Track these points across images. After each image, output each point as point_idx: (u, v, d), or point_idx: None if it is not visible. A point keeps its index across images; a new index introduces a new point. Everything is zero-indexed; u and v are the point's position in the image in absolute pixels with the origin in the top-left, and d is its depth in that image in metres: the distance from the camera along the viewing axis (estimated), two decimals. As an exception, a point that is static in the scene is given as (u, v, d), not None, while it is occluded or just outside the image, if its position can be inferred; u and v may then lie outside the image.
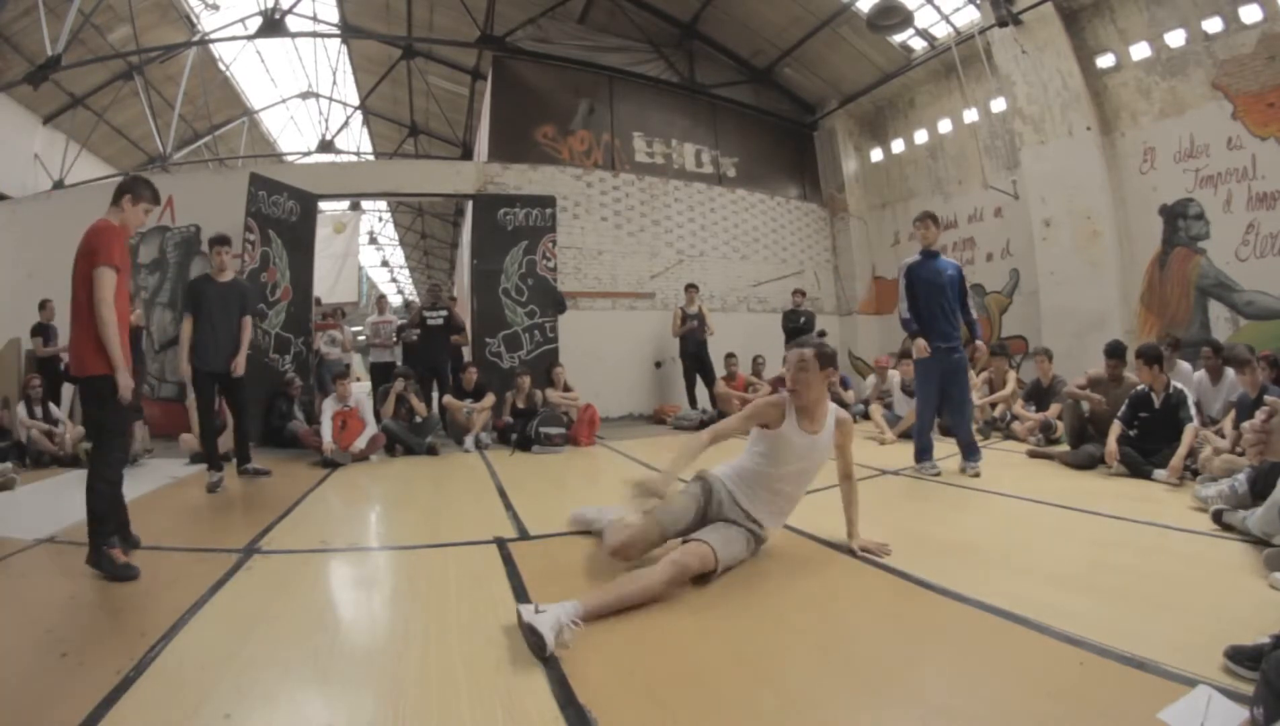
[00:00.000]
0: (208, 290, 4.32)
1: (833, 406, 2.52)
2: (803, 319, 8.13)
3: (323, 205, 8.33)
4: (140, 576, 2.27)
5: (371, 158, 15.97)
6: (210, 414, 4.36)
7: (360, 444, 5.29)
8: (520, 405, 6.39)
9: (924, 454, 4.24)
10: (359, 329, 10.75)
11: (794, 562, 2.47)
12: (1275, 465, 2.37)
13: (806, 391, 2.38)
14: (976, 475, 3.98)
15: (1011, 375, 6.28)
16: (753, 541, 2.40)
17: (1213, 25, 6.36)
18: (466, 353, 7.48)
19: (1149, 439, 3.83)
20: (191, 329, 4.23)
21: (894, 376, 6.33)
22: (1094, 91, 7.20)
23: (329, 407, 5.37)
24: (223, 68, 12.43)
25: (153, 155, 11.99)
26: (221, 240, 4.42)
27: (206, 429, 4.35)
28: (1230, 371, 4.50)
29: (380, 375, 7.88)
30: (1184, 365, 5.19)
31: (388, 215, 20.03)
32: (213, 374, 4.27)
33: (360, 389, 7.18)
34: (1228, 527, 2.58)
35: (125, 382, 2.51)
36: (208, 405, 4.34)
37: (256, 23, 9.14)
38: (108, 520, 2.43)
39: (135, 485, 4.21)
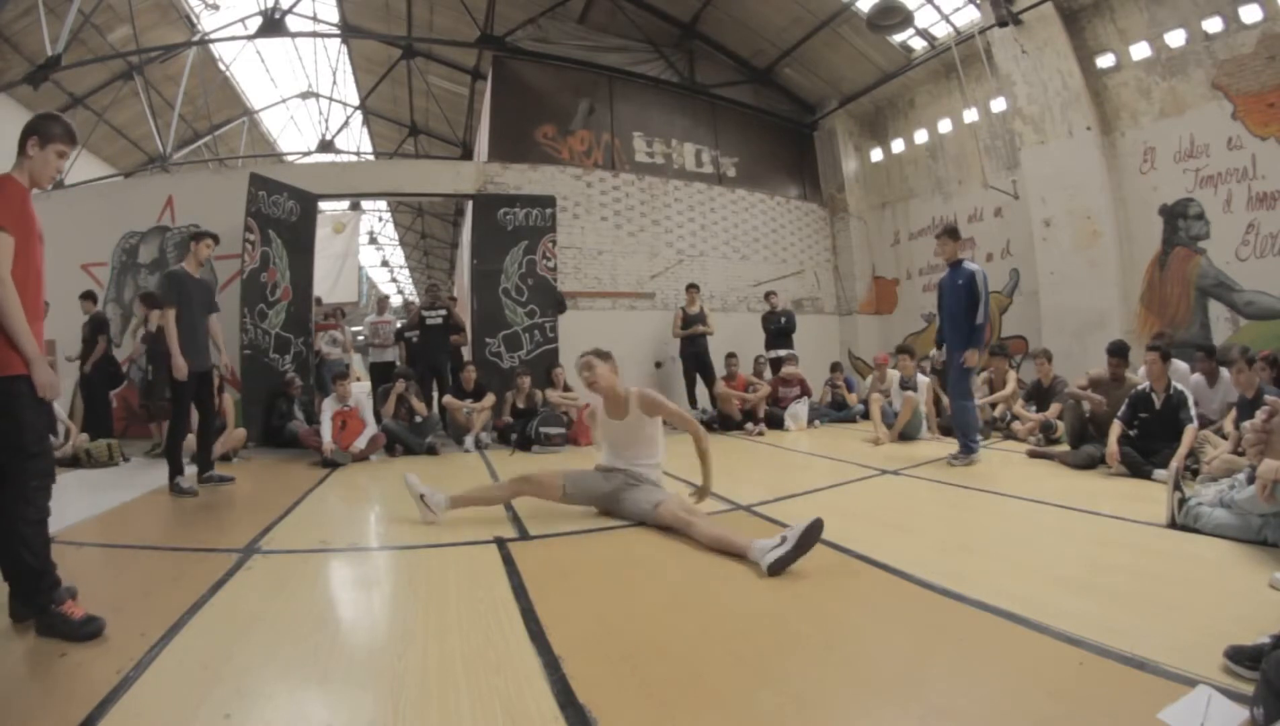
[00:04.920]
0: (188, 284, 4.19)
1: (633, 388, 3.12)
2: (783, 319, 8.11)
3: (323, 205, 8.33)
4: (105, 630, 1.76)
5: (371, 158, 15.97)
6: (187, 416, 4.17)
7: (360, 444, 5.30)
8: (520, 405, 6.40)
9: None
10: (359, 329, 10.76)
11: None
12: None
13: (597, 384, 3.05)
14: (950, 465, 4.34)
15: (1012, 375, 6.29)
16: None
17: (1213, 25, 6.35)
18: (466, 352, 7.48)
19: (1149, 439, 3.83)
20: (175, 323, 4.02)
21: (893, 375, 6.33)
22: (1094, 91, 7.20)
23: (329, 408, 5.38)
24: (223, 68, 12.43)
25: (153, 155, 11.99)
26: (207, 235, 4.32)
27: (181, 430, 4.11)
28: (1226, 373, 4.51)
29: (380, 375, 7.88)
30: (1181, 364, 5.19)
31: (388, 215, 20.04)
32: (199, 373, 4.16)
33: (360, 389, 7.19)
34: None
35: (45, 378, 1.92)
36: (187, 408, 4.17)
37: (256, 23, 9.14)
38: (48, 570, 1.84)
39: (135, 485, 4.22)
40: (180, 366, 3.98)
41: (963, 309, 4.44)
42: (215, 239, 4.39)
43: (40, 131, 2.04)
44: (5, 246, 1.89)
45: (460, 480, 4.56)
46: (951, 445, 5.34)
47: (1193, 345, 6.04)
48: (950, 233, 4.66)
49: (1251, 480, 2.61)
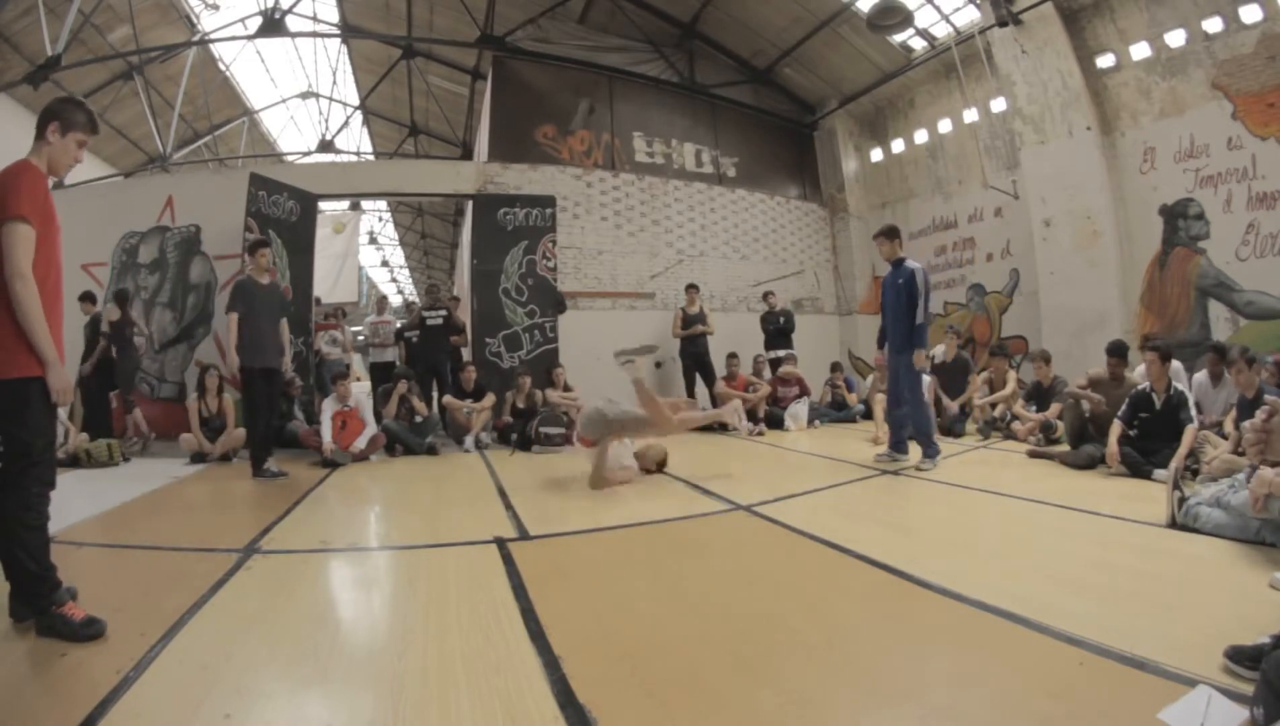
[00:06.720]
0: (257, 292, 4.54)
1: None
2: (782, 319, 8.10)
3: (323, 205, 8.33)
4: (106, 632, 1.75)
5: (371, 158, 15.96)
6: (259, 412, 4.55)
7: (360, 444, 5.30)
8: (520, 405, 6.40)
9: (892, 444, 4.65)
10: (359, 329, 10.76)
11: (793, 562, 2.47)
12: (1276, 464, 2.37)
13: None
14: (919, 468, 4.26)
15: (1011, 375, 6.28)
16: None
17: (1213, 25, 6.35)
18: (466, 352, 7.48)
19: (1149, 439, 3.84)
20: (238, 328, 4.43)
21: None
22: (1094, 91, 7.20)
23: (329, 408, 5.38)
24: (223, 68, 12.43)
25: (153, 155, 11.99)
26: (264, 242, 4.69)
27: (256, 427, 4.55)
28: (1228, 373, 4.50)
29: (380, 375, 7.88)
30: (1175, 363, 5.19)
31: (388, 215, 20.04)
32: (266, 371, 4.54)
33: (360, 389, 7.19)
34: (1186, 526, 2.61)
35: (61, 383, 1.86)
36: (256, 404, 4.54)
37: (256, 23, 9.14)
38: (47, 574, 1.80)
39: (135, 485, 4.22)
40: (233, 361, 4.43)
41: (903, 308, 4.41)
42: (268, 243, 4.85)
43: (62, 117, 1.92)
44: (26, 239, 1.77)
45: (460, 480, 4.57)
46: (953, 445, 5.35)
47: (1193, 345, 6.05)
48: (887, 232, 4.69)
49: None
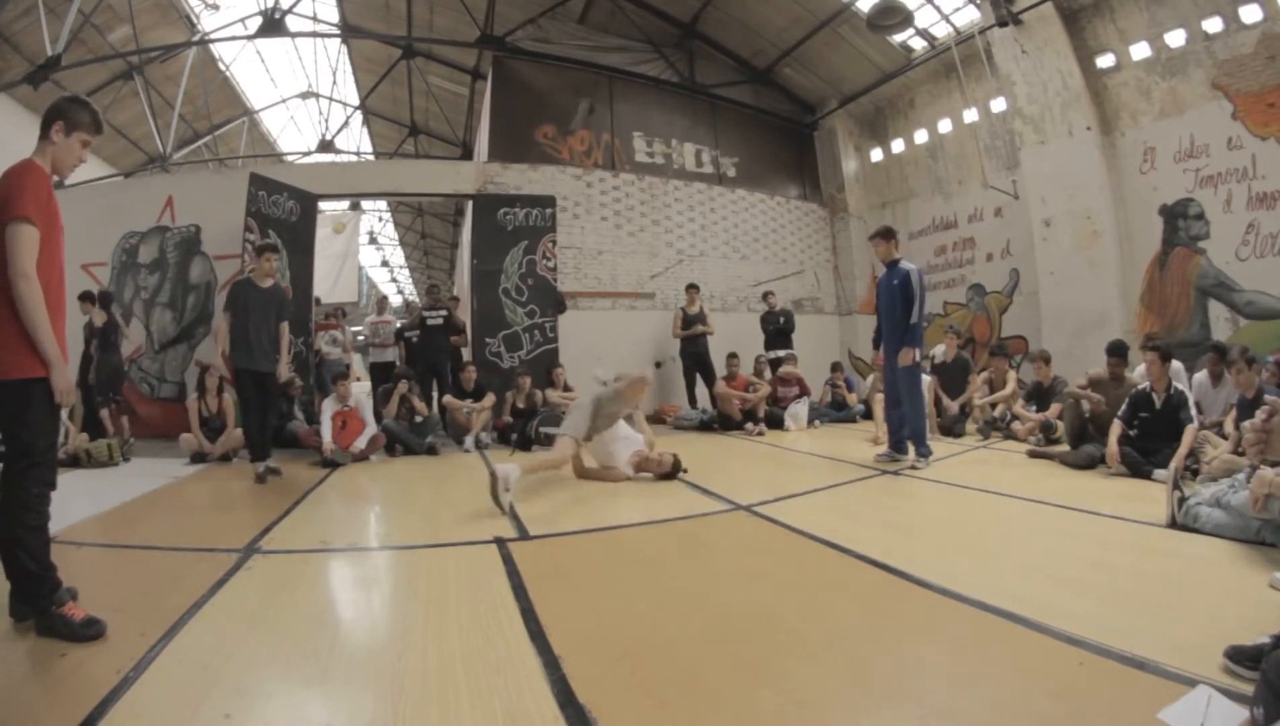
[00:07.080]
0: (252, 294, 4.51)
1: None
2: (781, 319, 8.10)
3: (323, 205, 8.33)
4: (106, 632, 1.75)
5: (371, 158, 15.96)
6: (250, 411, 4.53)
7: (360, 444, 5.29)
8: (520, 405, 6.40)
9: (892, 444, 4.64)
10: (358, 329, 10.77)
11: (793, 563, 2.47)
12: (1276, 464, 2.37)
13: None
14: (913, 467, 4.30)
15: (1012, 375, 6.28)
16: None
17: (1213, 25, 6.36)
18: (466, 352, 7.48)
19: (1149, 439, 3.83)
20: (229, 329, 4.44)
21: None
22: (1094, 91, 7.20)
23: (329, 408, 5.37)
24: (223, 68, 12.43)
25: (153, 155, 11.99)
26: (272, 247, 4.68)
27: (248, 424, 4.56)
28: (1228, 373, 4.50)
29: (380, 375, 7.88)
30: (1175, 363, 5.19)
31: (388, 215, 20.04)
32: (255, 373, 4.46)
33: (360, 389, 7.19)
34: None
35: (64, 384, 1.86)
36: (247, 403, 4.53)
37: (256, 23, 9.14)
38: (48, 574, 1.80)
39: (135, 485, 4.23)
40: (218, 363, 4.68)
41: (899, 309, 4.41)
42: (275, 249, 4.78)
43: (67, 116, 1.92)
44: (30, 239, 1.77)
45: (460, 480, 4.57)
46: (953, 445, 5.35)
47: (1193, 345, 6.04)
48: (883, 233, 4.67)
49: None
